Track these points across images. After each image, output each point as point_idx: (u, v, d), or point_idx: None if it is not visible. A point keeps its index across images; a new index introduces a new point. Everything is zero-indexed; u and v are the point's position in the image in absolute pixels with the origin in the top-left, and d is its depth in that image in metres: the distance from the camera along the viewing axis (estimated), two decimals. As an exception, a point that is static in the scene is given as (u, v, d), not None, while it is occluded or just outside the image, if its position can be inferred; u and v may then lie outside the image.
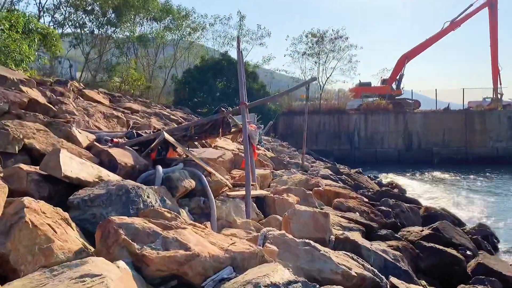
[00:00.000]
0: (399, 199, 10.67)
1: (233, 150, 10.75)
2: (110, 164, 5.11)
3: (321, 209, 7.65)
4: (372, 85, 38.51)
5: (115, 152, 5.28)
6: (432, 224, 8.11)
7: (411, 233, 7.60)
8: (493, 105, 33.47)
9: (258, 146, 16.70)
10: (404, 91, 37.52)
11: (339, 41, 36.21)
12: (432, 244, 6.37)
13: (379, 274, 4.18)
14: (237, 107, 6.13)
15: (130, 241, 2.95)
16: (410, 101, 35.43)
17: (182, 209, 4.80)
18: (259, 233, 4.21)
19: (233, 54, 32.38)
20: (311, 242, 4.19)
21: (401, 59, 36.90)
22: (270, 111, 28.97)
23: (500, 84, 34.75)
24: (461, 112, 32.77)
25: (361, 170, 19.29)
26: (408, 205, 10.03)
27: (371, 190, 13.45)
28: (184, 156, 8.04)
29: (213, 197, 5.16)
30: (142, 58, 28.96)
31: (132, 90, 18.99)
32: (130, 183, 4.04)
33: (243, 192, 5.83)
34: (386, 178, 21.34)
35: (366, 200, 9.76)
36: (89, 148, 5.47)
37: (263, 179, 9.11)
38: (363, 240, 5.22)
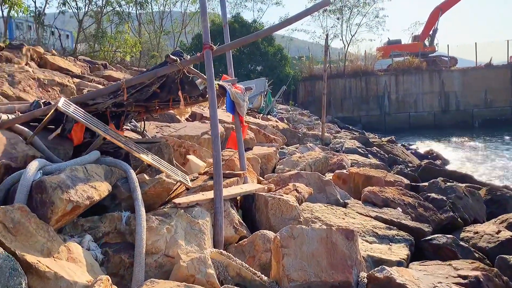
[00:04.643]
0: (449, 178, 8.11)
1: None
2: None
3: (345, 204, 5.27)
4: (403, 43, 35.00)
5: (-25, 138, 3.03)
6: (507, 216, 5.65)
7: (481, 235, 5.13)
8: (543, 57, 29.68)
9: (269, 116, 14.26)
10: (438, 48, 33.92)
11: (364, -7, 32.69)
12: (527, 263, 3.93)
13: None
14: (198, 54, 3.71)
15: None
16: (446, 58, 32.05)
17: (74, 242, 2.54)
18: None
19: (246, 16, 29.54)
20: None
21: (434, 12, 33.34)
22: (288, 76, 26.19)
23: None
24: (505, 67, 29.08)
25: (394, 139, 16.61)
26: (464, 185, 7.46)
27: (410, 164, 10.90)
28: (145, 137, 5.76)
29: (143, 211, 2.85)
30: (147, 25, 26.58)
31: (127, 57, 16.77)
32: None
33: (211, 195, 3.51)
34: (423, 146, 18.58)
35: (407, 182, 7.28)
36: None
37: (266, 161, 6.76)
38: (418, 280, 2.83)
